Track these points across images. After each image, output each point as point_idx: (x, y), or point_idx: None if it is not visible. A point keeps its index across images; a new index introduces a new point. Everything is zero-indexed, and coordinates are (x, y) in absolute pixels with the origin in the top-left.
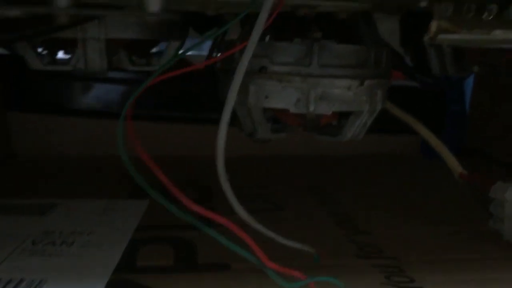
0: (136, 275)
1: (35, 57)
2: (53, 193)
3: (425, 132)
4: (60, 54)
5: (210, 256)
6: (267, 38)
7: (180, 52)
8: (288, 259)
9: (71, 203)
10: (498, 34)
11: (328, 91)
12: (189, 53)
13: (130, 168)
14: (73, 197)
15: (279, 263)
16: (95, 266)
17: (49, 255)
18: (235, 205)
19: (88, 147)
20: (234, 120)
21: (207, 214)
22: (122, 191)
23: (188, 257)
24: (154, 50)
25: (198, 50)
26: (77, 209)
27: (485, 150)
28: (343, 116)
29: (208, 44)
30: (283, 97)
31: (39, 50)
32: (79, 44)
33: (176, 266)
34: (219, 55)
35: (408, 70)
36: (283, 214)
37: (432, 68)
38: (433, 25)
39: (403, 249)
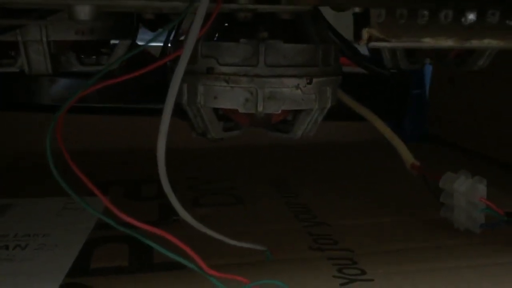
0: (89, 278)
1: None
2: (13, 192)
3: (377, 122)
4: None
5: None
6: (216, 38)
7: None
8: (245, 254)
9: (29, 202)
10: (428, 41)
11: (276, 90)
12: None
13: (51, 164)
14: (33, 196)
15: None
16: (47, 270)
17: (0, 260)
18: (179, 210)
19: (55, 143)
20: (187, 119)
21: (132, 222)
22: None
23: (144, 256)
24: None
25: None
26: (35, 209)
27: (445, 137)
28: (298, 112)
29: None
30: (231, 97)
31: None
32: (21, 46)
33: (130, 267)
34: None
35: (363, 62)
36: (243, 208)
37: (385, 62)
38: (364, 34)
39: (358, 240)
